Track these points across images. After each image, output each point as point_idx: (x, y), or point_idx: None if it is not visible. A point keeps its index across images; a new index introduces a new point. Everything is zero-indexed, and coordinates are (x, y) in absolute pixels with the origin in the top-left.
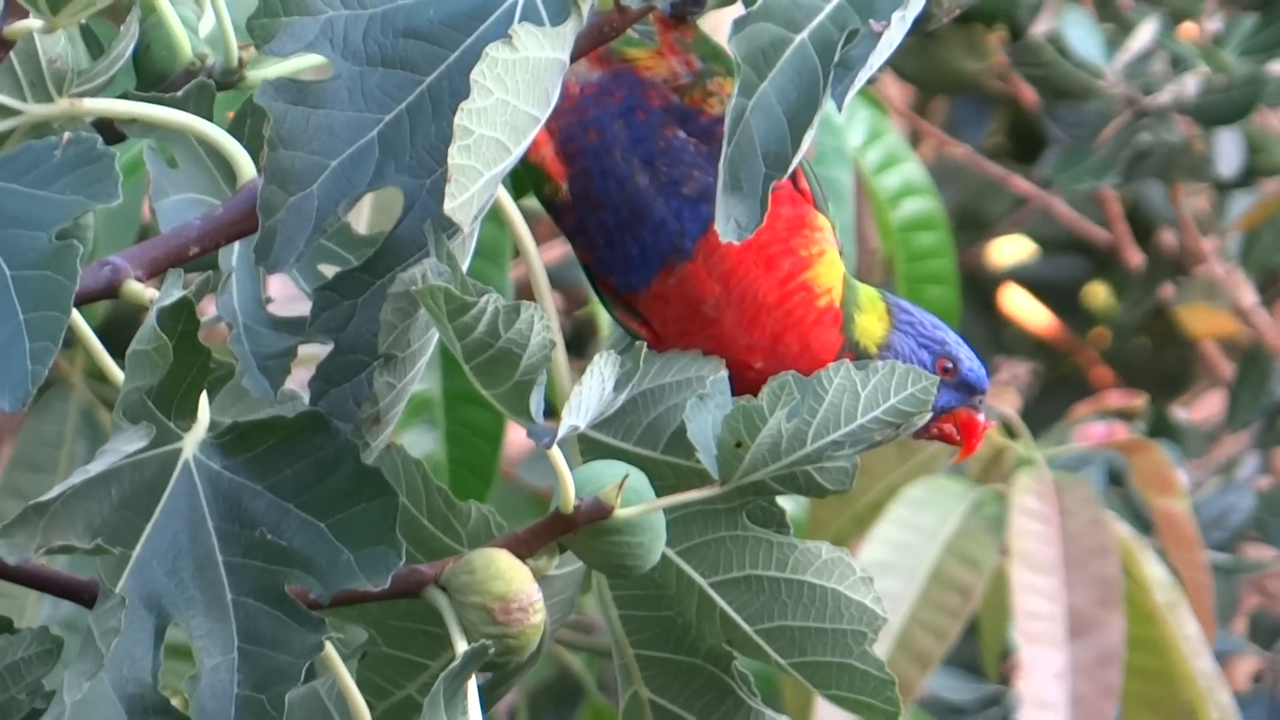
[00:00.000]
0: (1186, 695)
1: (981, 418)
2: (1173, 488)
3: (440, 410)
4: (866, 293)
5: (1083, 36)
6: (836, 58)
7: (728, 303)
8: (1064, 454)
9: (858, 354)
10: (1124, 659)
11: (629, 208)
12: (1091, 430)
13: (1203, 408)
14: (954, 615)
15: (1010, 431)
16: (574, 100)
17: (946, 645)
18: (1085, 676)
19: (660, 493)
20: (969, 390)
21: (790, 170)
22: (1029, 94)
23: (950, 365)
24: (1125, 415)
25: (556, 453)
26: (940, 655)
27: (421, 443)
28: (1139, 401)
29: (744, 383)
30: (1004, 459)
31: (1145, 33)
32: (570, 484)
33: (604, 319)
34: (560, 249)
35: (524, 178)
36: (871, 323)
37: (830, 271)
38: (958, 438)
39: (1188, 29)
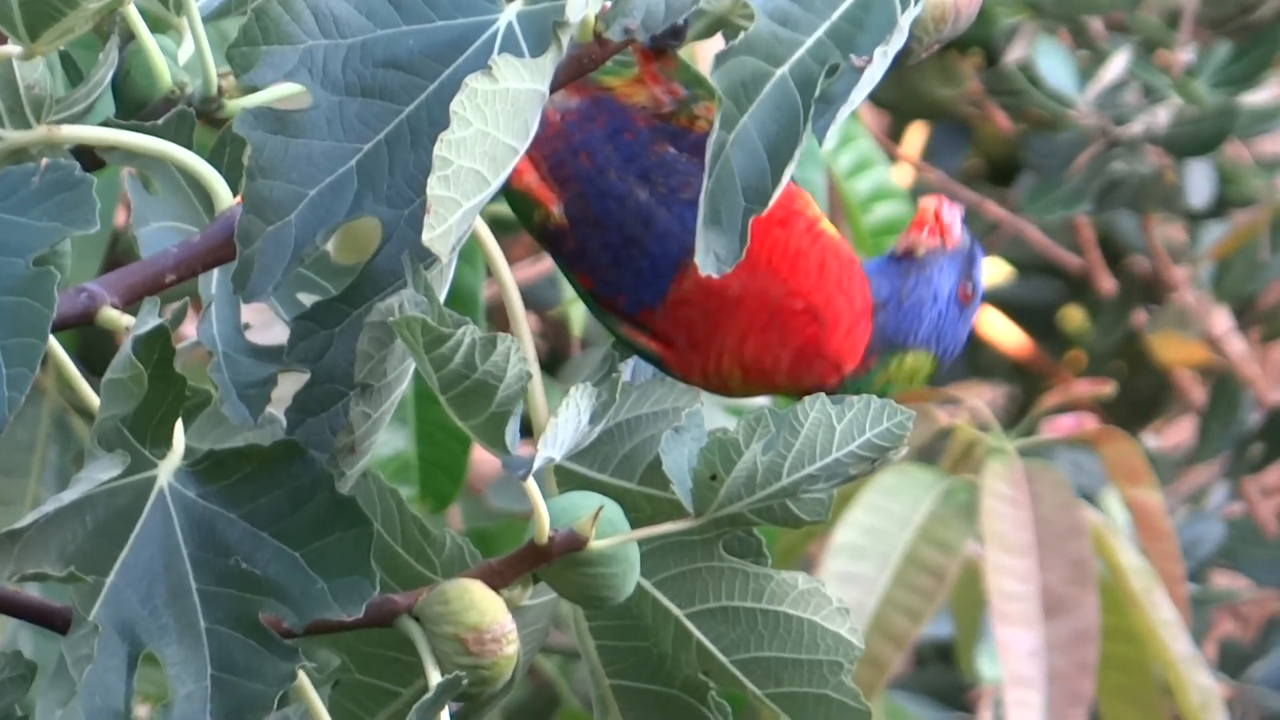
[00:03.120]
0: (1165, 679)
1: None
2: (1143, 478)
3: (411, 409)
4: None
5: (1055, 67)
6: (817, 92)
7: (756, 271)
8: (1034, 444)
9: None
10: (1099, 636)
11: (633, 223)
12: (1060, 422)
13: (1174, 435)
14: (928, 597)
15: (980, 426)
16: (557, 127)
17: (921, 625)
18: (1061, 654)
19: (637, 525)
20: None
21: (769, 204)
22: (1003, 121)
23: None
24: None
25: (532, 484)
26: (915, 634)
27: (392, 441)
28: (1108, 388)
29: (802, 335)
30: (974, 452)
31: (1117, 63)
32: (545, 515)
33: (577, 320)
34: (533, 268)
35: (511, 209)
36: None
37: (830, 227)
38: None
39: (1161, 57)
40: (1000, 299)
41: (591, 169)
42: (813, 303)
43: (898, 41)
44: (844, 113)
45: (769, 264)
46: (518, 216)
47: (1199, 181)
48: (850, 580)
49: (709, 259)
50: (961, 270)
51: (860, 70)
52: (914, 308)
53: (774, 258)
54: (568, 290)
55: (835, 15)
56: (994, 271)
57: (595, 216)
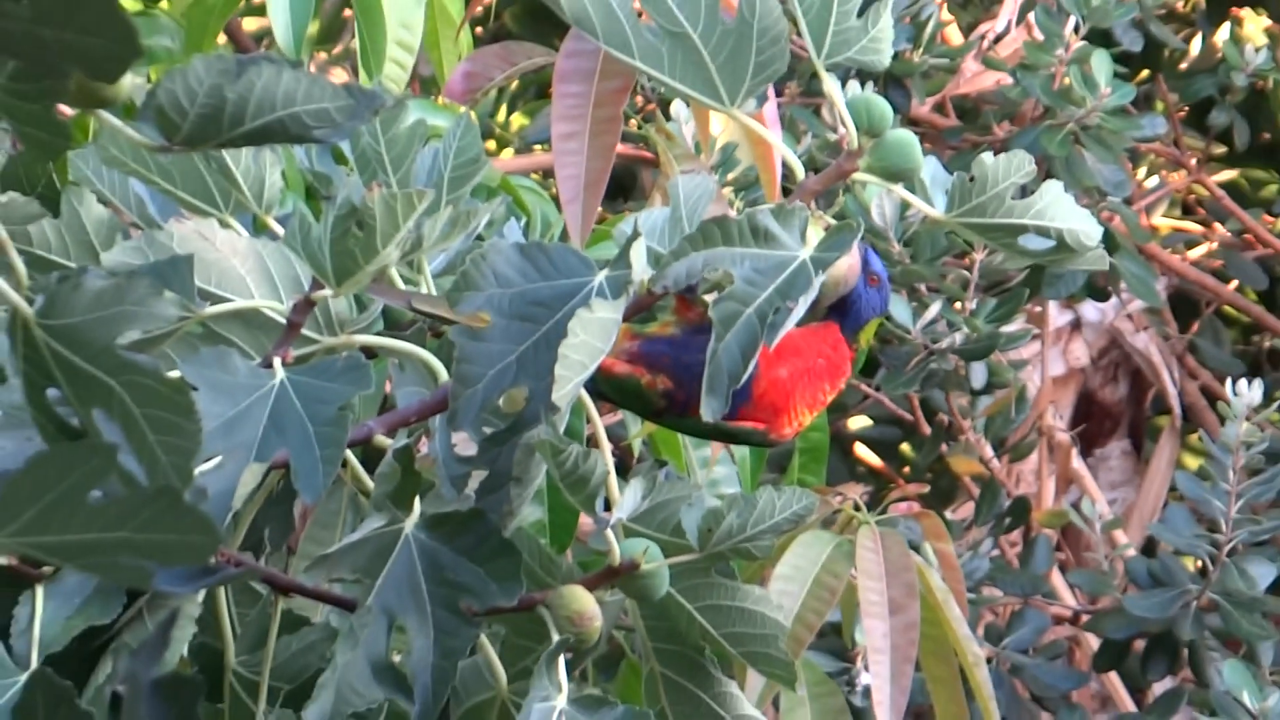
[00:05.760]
0: (954, 648)
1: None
2: (943, 537)
3: (544, 494)
4: None
5: (900, 311)
6: (768, 321)
7: (788, 364)
8: (885, 519)
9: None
10: (919, 627)
11: None
12: (899, 507)
13: (961, 513)
14: (826, 602)
15: (855, 508)
16: (637, 351)
17: (822, 619)
18: (899, 635)
19: (666, 556)
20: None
21: (741, 385)
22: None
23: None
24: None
25: (610, 533)
26: (818, 625)
27: (533, 513)
28: (925, 488)
29: (826, 374)
30: (852, 523)
31: (934, 309)
32: (617, 550)
33: (636, 446)
34: (612, 417)
35: (622, 392)
36: None
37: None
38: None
39: (958, 305)
40: (866, 438)
41: (674, 359)
42: (817, 359)
43: (812, 294)
44: (782, 332)
45: (790, 357)
46: (628, 394)
47: (978, 373)
48: (783, 595)
49: (708, 411)
50: (864, 271)
51: (791, 309)
52: (853, 312)
53: (790, 356)
54: (632, 430)
55: (779, 280)
56: (860, 424)
57: (693, 377)
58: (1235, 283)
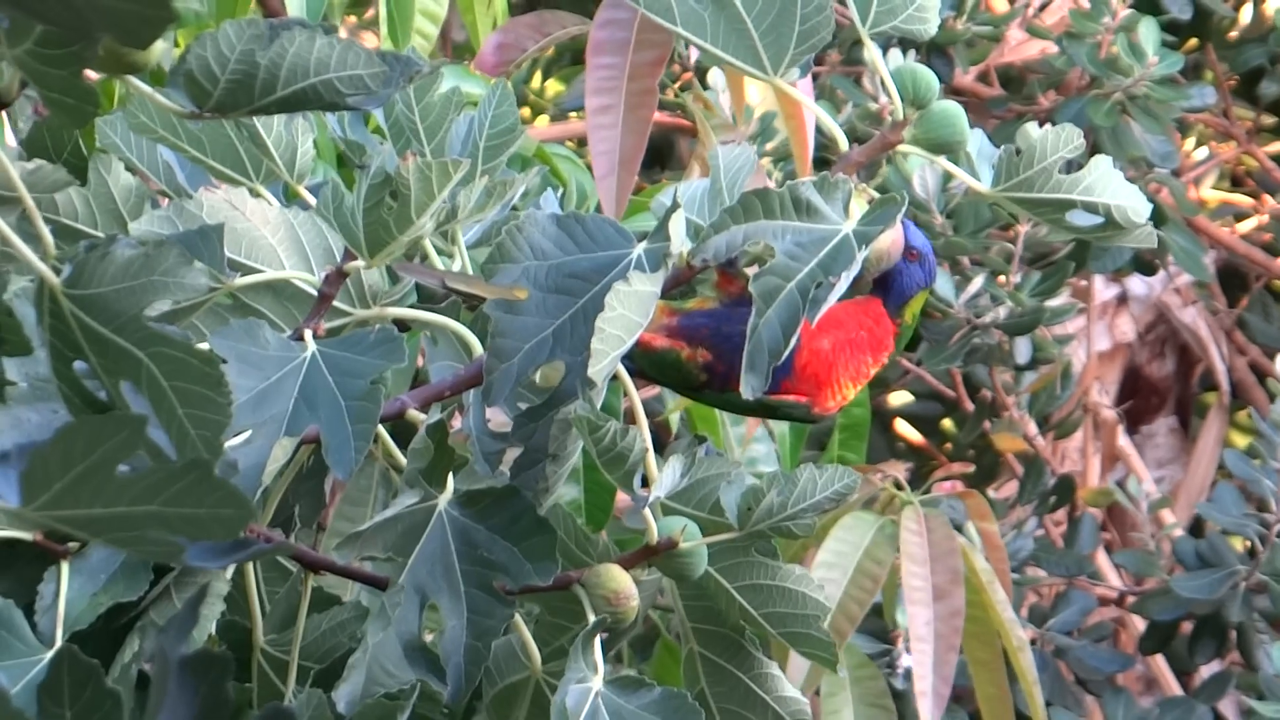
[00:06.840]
0: (997, 631)
1: None
2: (987, 516)
3: (580, 473)
4: None
5: (941, 284)
6: (810, 297)
7: (830, 336)
8: (929, 499)
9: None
10: (963, 613)
11: None
12: (943, 486)
13: (1005, 490)
14: (869, 591)
15: (897, 486)
16: (676, 327)
17: (864, 609)
18: (943, 622)
19: (705, 535)
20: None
21: (783, 359)
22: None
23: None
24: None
25: (648, 511)
26: (861, 615)
27: (569, 492)
28: (970, 468)
29: (869, 346)
30: (895, 502)
31: (977, 282)
32: (655, 529)
33: (673, 421)
34: (649, 392)
35: (662, 365)
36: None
37: None
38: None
39: (1001, 279)
40: (907, 414)
41: (714, 332)
42: (859, 331)
43: (855, 268)
44: (824, 307)
45: (832, 329)
46: (667, 369)
47: (1022, 348)
48: (826, 583)
49: (747, 388)
50: (905, 246)
51: (834, 284)
52: (894, 287)
53: (832, 328)
54: (668, 405)
55: (821, 254)
56: (901, 399)
57: (734, 350)
58: None
